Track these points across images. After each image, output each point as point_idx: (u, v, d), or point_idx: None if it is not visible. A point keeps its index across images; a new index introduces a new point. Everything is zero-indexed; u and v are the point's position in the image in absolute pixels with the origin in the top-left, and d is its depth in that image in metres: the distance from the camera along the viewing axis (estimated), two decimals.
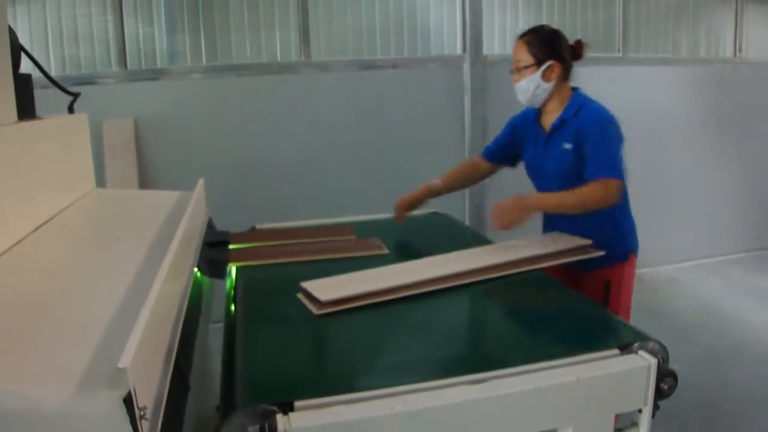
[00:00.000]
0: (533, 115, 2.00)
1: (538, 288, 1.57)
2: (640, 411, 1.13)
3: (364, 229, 2.08)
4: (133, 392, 0.71)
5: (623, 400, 1.11)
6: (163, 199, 1.86)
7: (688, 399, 2.62)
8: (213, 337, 1.58)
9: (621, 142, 1.84)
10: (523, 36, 1.91)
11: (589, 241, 1.77)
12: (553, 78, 1.86)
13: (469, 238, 1.96)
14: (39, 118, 1.61)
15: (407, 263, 1.64)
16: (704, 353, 3.15)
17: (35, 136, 1.51)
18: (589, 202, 1.77)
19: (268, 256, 1.81)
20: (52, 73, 2.32)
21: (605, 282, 1.92)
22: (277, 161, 3.78)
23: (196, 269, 1.48)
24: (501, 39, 4.21)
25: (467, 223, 3.91)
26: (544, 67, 1.85)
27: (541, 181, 1.99)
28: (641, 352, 1.12)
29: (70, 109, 1.95)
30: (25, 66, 1.66)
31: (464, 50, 4.10)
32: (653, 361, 1.09)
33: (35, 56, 1.78)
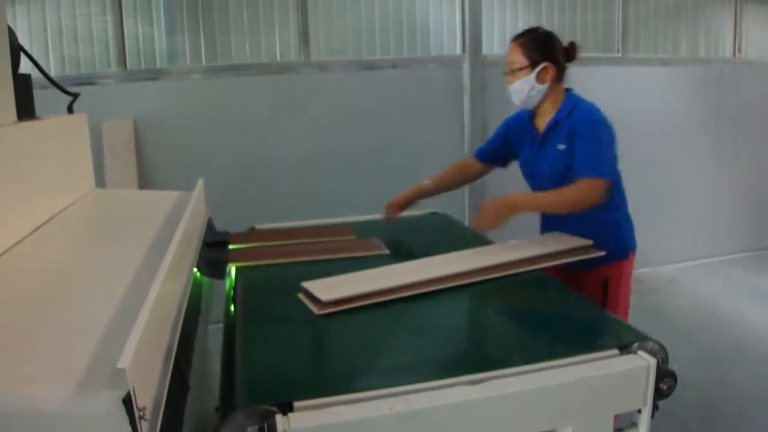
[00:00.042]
0: (527, 116, 2.01)
1: (538, 288, 1.57)
2: (639, 411, 1.13)
3: (363, 229, 2.08)
4: (132, 393, 0.71)
5: (622, 400, 1.11)
6: (163, 199, 1.86)
7: (687, 399, 2.62)
8: (212, 338, 1.58)
9: (612, 143, 1.85)
10: (517, 38, 1.92)
11: (589, 242, 1.78)
12: (547, 79, 1.88)
13: (469, 238, 1.96)
14: (38, 118, 1.60)
15: (407, 263, 1.64)
16: (704, 353, 3.15)
17: (35, 136, 1.51)
18: (571, 201, 1.79)
19: (267, 257, 1.81)
20: (52, 74, 2.32)
21: (604, 280, 1.93)
22: (277, 161, 3.78)
23: (195, 269, 1.47)
24: (500, 39, 4.20)
25: (467, 223, 3.91)
26: (538, 68, 1.86)
27: (537, 181, 2.00)
28: (641, 353, 1.12)
29: (70, 110, 1.95)
30: (25, 66, 1.66)
31: (464, 50, 4.10)
32: (653, 362, 1.09)
33: (35, 56, 1.78)
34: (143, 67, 3.69)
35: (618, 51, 4.50)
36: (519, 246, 1.75)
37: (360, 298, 1.38)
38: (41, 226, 1.42)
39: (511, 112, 2.11)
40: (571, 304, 1.46)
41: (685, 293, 4.17)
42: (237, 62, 3.79)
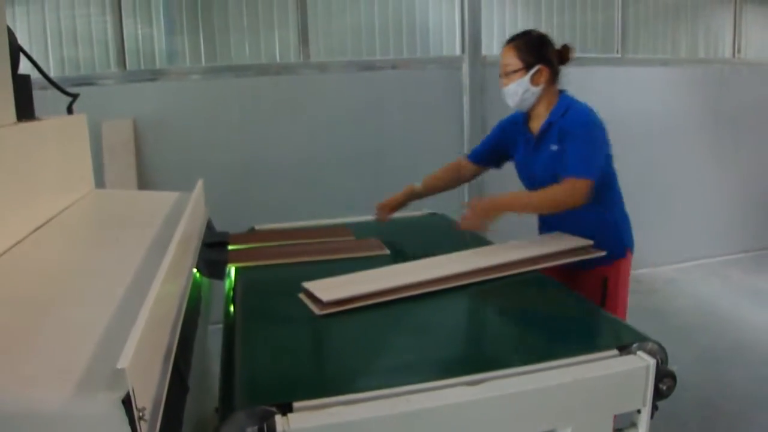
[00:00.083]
0: (522, 118, 2.01)
1: (538, 288, 1.57)
2: (638, 411, 1.13)
3: (363, 230, 2.09)
4: (132, 393, 0.71)
5: (622, 400, 1.11)
6: (162, 199, 1.86)
7: (687, 399, 2.62)
8: (212, 338, 1.58)
9: (605, 145, 1.86)
10: (511, 41, 1.93)
11: (590, 242, 1.78)
12: (541, 82, 1.88)
13: (468, 238, 1.96)
14: (38, 119, 1.60)
15: (407, 264, 1.65)
16: (703, 353, 3.15)
17: (34, 137, 1.51)
18: (554, 201, 1.80)
19: (267, 257, 1.81)
20: (51, 74, 2.32)
21: (603, 279, 1.93)
22: (277, 162, 3.79)
23: (195, 270, 1.47)
24: (500, 40, 4.19)
25: None
26: (532, 71, 1.87)
27: (531, 183, 2.00)
28: (640, 353, 1.12)
29: (69, 110, 1.95)
30: (24, 67, 1.66)
31: (463, 51, 4.10)
32: (652, 362, 1.09)
33: (34, 57, 1.78)
34: (143, 67, 3.69)
35: (617, 51, 4.50)
36: (519, 246, 1.75)
37: (361, 299, 1.38)
38: (41, 226, 1.42)
39: (511, 113, 2.12)
40: (571, 305, 1.46)
41: (684, 293, 4.17)
42: (236, 63, 3.80)
